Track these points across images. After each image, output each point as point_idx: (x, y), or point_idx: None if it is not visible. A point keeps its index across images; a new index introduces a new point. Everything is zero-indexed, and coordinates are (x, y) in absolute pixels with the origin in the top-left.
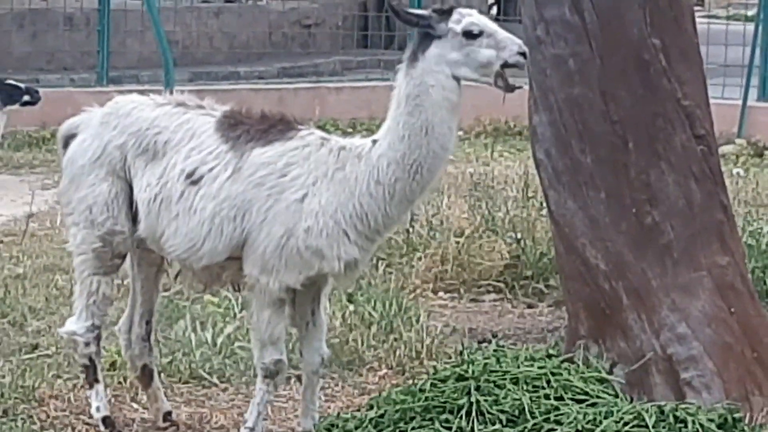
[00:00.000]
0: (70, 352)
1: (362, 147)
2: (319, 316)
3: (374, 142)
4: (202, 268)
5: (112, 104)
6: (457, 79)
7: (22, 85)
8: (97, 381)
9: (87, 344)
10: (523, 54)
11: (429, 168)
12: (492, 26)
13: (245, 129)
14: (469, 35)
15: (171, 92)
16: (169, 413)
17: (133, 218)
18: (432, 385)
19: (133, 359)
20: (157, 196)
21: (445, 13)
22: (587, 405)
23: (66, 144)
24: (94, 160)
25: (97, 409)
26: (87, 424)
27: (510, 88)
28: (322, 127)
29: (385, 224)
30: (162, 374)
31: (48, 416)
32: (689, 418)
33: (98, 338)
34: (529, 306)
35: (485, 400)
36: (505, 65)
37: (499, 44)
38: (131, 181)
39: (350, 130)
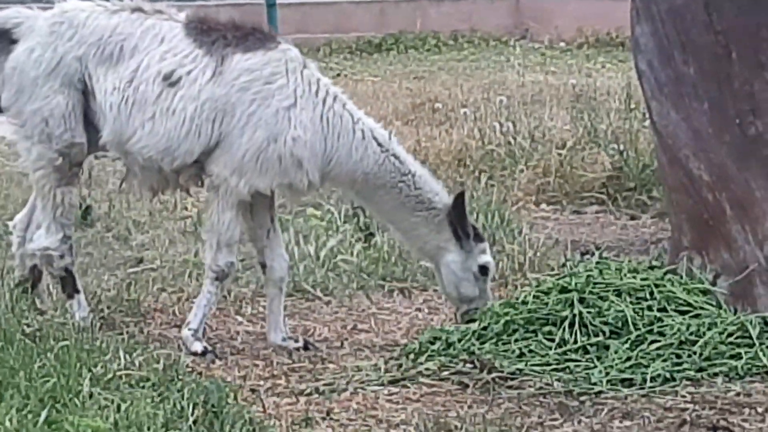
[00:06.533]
0: (149, 266)
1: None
2: (276, 222)
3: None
4: (171, 170)
5: (59, 12)
6: None
7: None
8: (77, 291)
9: (62, 257)
10: None
11: None
12: None
13: (220, 34)
14: None
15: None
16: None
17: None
18: (535, 297)
19: (23, 258)
20: (128, 98)
21: None
22: (690, 316)
23: None
24: (48, 72)
25: (83, 318)
26: None
27: None
28: (423, 40)
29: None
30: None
31: (152, 329)
32: None
33: (71, 248)
34: (632, 218)
35: (588, 312)
36: None
37: None
38: (91, 89)
39: (451, 42)
